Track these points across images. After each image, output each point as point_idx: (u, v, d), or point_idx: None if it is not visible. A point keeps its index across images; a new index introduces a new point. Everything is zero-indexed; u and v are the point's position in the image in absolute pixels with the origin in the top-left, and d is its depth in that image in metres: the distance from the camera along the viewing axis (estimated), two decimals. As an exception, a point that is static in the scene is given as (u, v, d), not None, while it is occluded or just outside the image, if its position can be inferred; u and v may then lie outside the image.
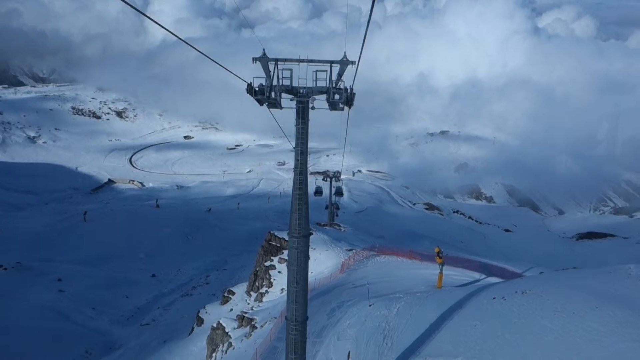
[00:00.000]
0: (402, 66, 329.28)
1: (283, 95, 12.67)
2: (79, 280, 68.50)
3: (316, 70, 12.27)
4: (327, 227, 69.99)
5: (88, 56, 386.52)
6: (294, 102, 12.87)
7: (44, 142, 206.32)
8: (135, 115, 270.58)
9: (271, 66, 12.13)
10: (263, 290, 46.84)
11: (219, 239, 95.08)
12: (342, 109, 12.79)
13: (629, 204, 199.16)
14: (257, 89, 12.32)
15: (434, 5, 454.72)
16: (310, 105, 12.90)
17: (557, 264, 75.65)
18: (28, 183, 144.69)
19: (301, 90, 12.69)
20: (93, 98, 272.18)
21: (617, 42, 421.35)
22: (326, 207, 74.33)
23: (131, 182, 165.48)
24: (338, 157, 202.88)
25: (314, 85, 12.64)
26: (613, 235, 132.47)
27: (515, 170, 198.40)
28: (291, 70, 12.32)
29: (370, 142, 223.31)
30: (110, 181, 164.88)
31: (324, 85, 12.44)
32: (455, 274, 33.65)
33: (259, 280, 48.86)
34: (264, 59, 11.98)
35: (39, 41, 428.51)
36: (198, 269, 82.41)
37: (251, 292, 48.96)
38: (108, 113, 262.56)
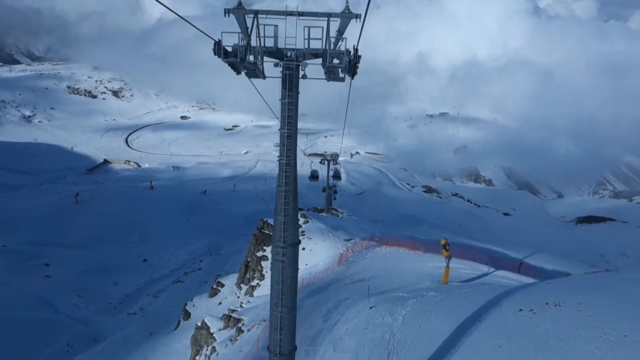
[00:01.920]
0: (401, 46, 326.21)
1: (266, 59, 9.53)
2: (67, 265, 66.32)
3: (309, 27, 9.08)
4: (323, 214, 67.38)
5: (84, 35, 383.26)
6: (280, 69, 9.70)
7: (40, 122, 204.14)
8: (131, 95, 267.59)
9: (249, 21, 8.90)
10: (254, 282, 44.09)
11: (214, 222, 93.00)
12: (343, 79, 9.53)
13: (628, 187, 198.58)
14: (229, 49, 9.01)
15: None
16: (301, 73, 9.77)
17: (557, 249, 73.78)
18: (24, 163, 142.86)
19: (289, 53, 9.52)
20: (89, 77, 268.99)
21: (617, 23, 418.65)
22: (323, 190, 71.88)
23: (127, 162, 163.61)
24: (336, 138, 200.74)
25: (306, 47, 9.44)
26: (612, 220, 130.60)
27: (514, 152, 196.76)
28: (276, 26, 9.22)
29: (368, 123, 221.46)
30: (105, 161, 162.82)
31: (319, 46, 9.31)
32: (461, 267, 31.13)
33: (250, 272, 46.14)
34: (239, 11, 8.68)
35: (35, 19, 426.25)
36: (192, 253, 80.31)
37: (241, 285, 46.30)
38: (104, 92, 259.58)
